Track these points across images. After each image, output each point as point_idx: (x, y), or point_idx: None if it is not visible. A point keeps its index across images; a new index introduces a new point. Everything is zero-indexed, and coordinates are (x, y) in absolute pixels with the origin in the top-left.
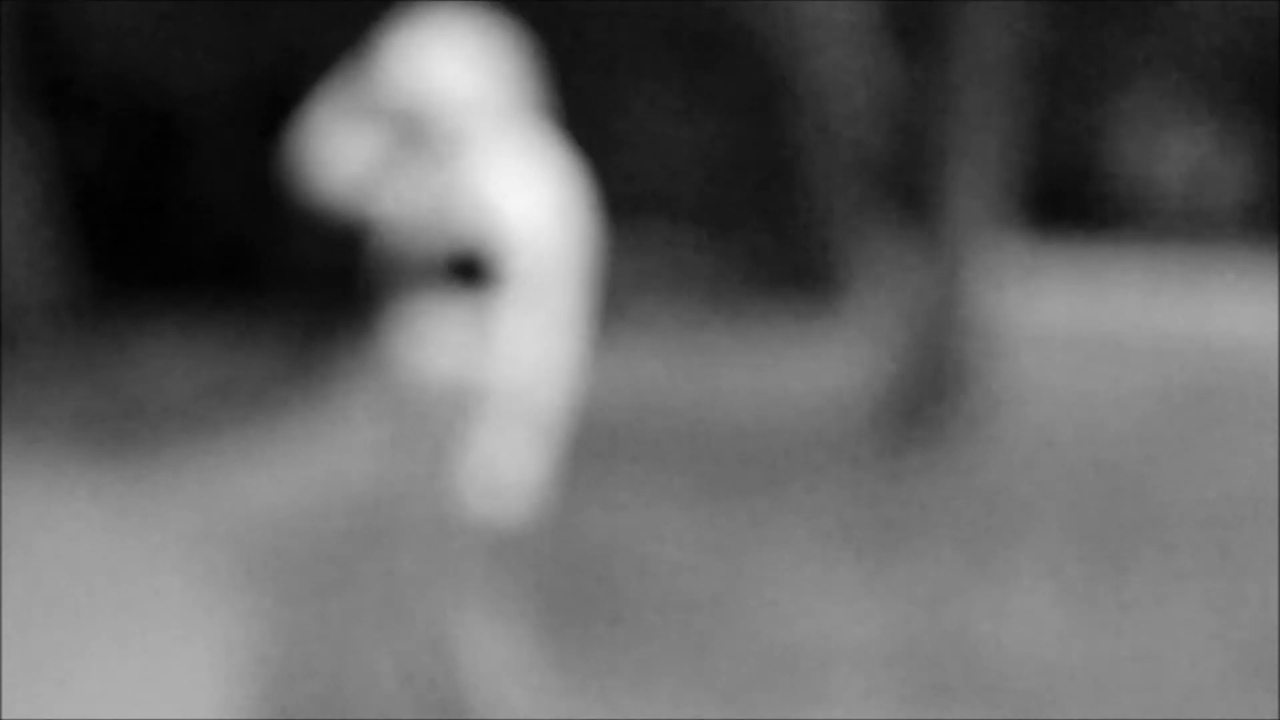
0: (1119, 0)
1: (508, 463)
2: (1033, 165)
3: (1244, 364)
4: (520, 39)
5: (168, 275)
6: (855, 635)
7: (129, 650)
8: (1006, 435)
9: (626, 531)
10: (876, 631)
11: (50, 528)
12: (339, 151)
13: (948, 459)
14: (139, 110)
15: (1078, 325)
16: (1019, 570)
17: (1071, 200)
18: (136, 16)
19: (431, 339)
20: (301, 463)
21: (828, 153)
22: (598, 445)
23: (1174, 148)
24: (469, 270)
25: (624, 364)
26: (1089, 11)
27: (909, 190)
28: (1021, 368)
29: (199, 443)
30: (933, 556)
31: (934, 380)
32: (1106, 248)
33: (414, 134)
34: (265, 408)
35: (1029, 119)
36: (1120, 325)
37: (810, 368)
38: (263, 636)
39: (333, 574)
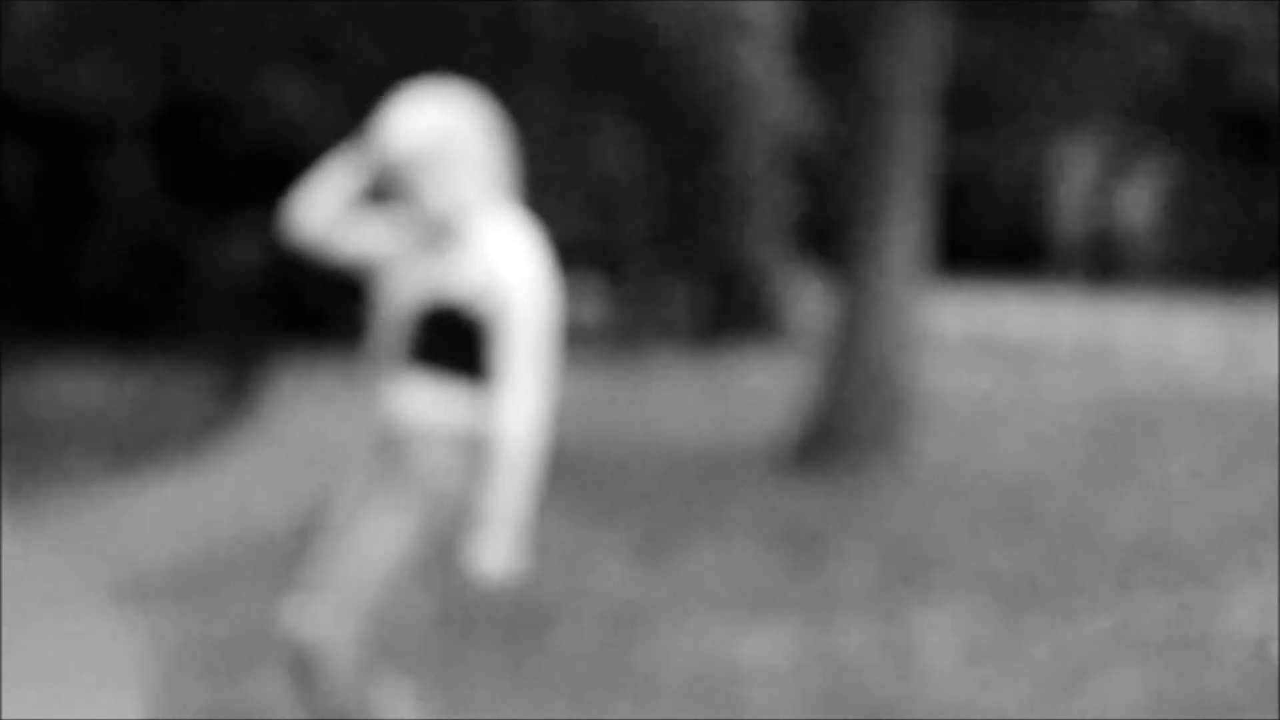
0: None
1: (509, 513)
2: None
3: (1158, 385)
4: (497, 114)
5: (73, 310)
6: (768, 650)
7: (36, 679)
8: (923, 459)
9: (553, 544)
10: (789, 646)
11: None
12: (327, 198)
13: (868, 481)
14: (49, 146)
15: (992, 351)
16: (933, 587)
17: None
18: (43, 51)
19: (425, 388)
20: (213, 493)
21: (756, 193)
22: (553, 458)
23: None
24: (456, 324)
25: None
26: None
27: (832, 227)
28: (938, 394)
29: (105, 477)
30: (850, 573)
31: (857, 406)
32: (1021, 277)
33: (399, 188)
34: (174, 442)
35: (942, 152)
36: (1033, 351)
37: (739, 395)
38: (167, 665)
39: (241, 603)
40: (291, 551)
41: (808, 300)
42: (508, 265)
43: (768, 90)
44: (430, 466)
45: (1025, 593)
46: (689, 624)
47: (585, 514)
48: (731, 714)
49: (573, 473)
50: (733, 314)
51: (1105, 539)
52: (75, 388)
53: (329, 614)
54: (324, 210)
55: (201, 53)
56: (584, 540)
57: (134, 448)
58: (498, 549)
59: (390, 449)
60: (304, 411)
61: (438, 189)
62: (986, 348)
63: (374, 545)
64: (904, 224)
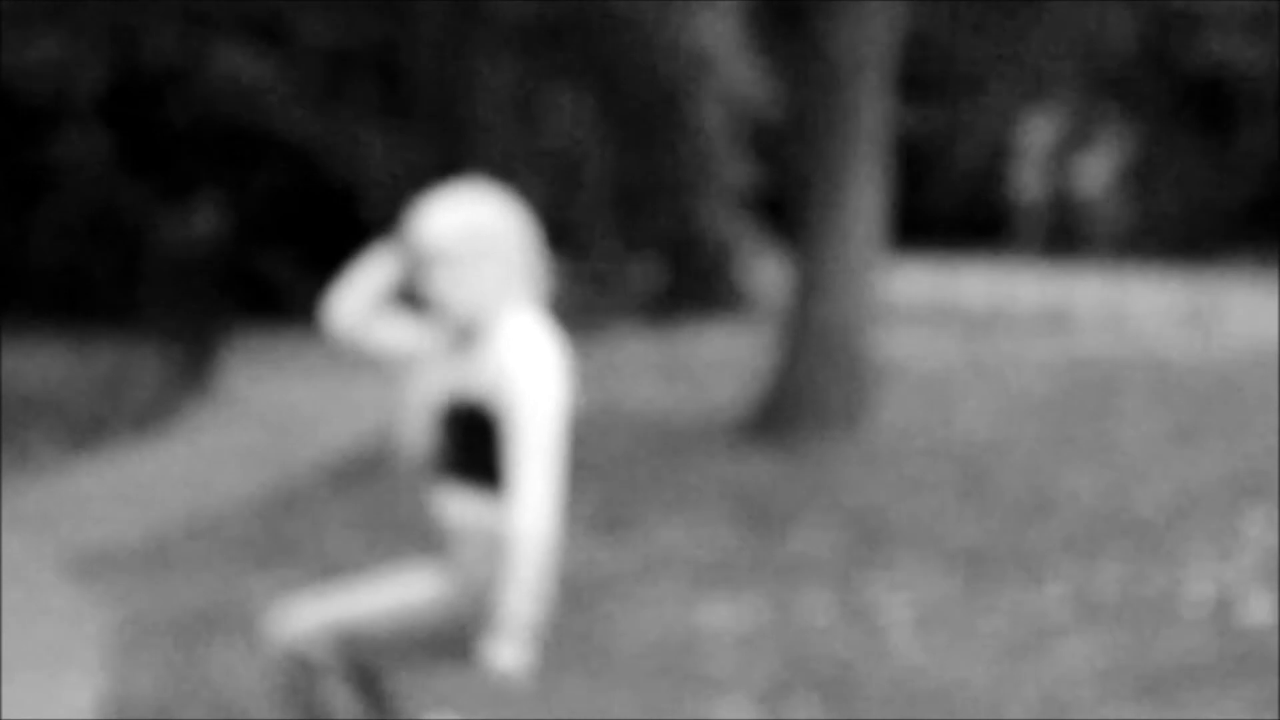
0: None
1: (523, 612)
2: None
3: (1113, 362)
4: (528, 216)
5: (29, 287)
6: (728, 618)
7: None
8: (883, 428)
9: None
10: (749, 614)
11: None
12: (359, 292)
13: (828, 450)
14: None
15: (953, 320)
16: (893, 555)
17: (946, 204)
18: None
19: (456, 487)
20: (172, 469)
21: (713, 167)
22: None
23: (1038, 156)
24: (476, 422)
25: None
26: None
27: (791, 199)
28: (898, 363)
29: (63, 454)
30: (810, 541)
31: (816, 376)
32: (981, 248)
33: (429, 284)
34: (132, 418)
35: (903, 124)
36: (993, 319)
37: (699, 368)
38: (126, 639)
39: (201, 578)
40: (250, 526)
41: (767, 273)
42: (518, 361)
43: (724, 63)
44: (469, 561)
45: (984, 560)
46: (649, 593)
47: None
48: (691, 681)
49: None
50: (692, 288)
51: (1064, 506)
52: (32, 365)
53: (314, 619)
54: (355, 303)
55: (154, 27)
56: None
57: (92, 424)
58: (512, 647)
59: (442, 538)
60: (262, 386)
61: (465, 287)
62: (947, 317)
63: (393, 586)
64: (862, 195)
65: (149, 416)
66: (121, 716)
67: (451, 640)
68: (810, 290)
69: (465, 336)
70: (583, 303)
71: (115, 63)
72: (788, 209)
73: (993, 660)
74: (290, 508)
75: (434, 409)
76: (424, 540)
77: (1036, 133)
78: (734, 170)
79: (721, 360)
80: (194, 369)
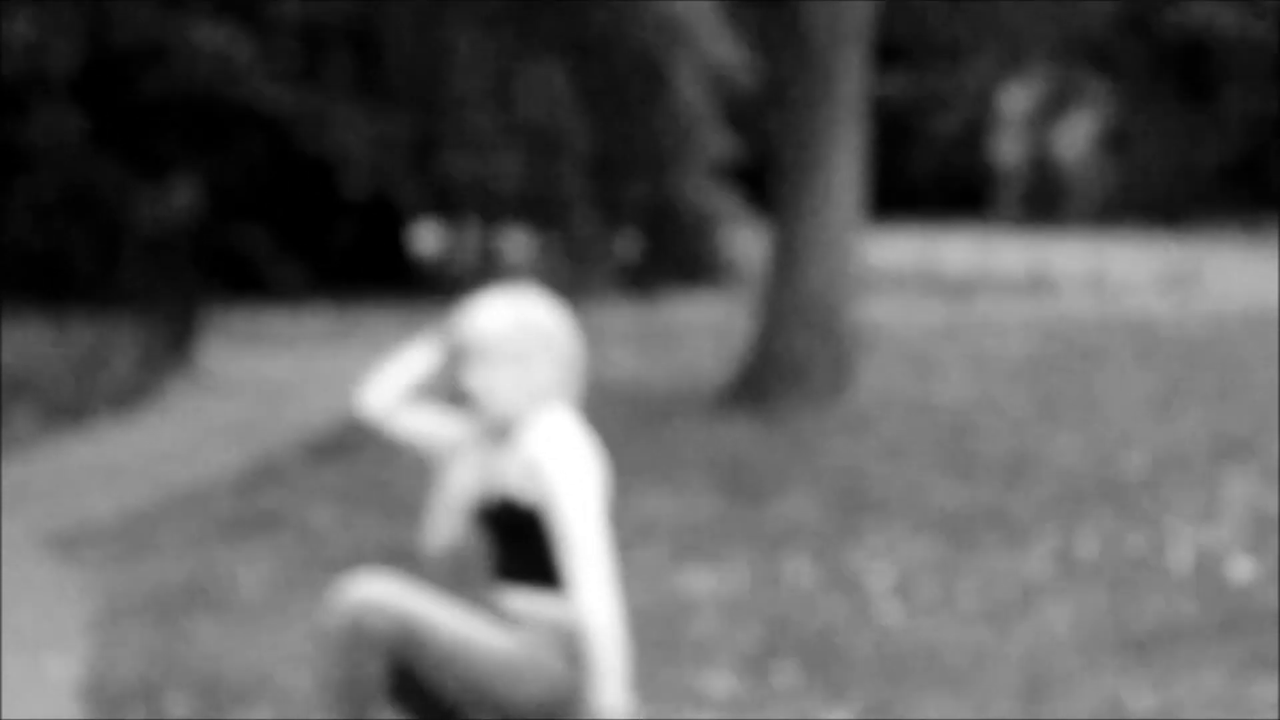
0: None
1: (618, 689)
2: (891, 141)
3: (1088, 328)
4: (573, 322)
5: (5, 265)
6: (711, 583)
7: None
8: (865, 393)
9: None
10: (731, 579)
11: None
12: (394, 378)
13: (810, 416)
14: None
15: (934, 285)
16: (875, 518)
17: (927, 172)
18: None
19: (507, 584)
20: (153, 445)
21: (692, 138)
22: None
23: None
24: (514, 519)
25: None
26: None
27: (770, 168)
28: (879, 328)
29: (44, 432)
30: (792, 506)
31: (797, 343)
32: (962, 215)
33: (468, 379)
34: (112, 395)
35: (883, 94)
36: (974, 284)
37: (679, 337)
38: (107, 614)
39: (182, 552)
40: (230, 500)
41: (747, 242)
42: (554, 458)
43: (702, 34)
44: (534, 644)
45: (967, 524)
46: (632, 561)
47: None
48: (674, 648)
49: None
50: (672, 258)
51: (1046, 469)
52: (10, 343)
53: (388, 597)
54: (388, 391)
55: (128, 4)
56: None
57: (71, 402)
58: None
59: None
60: (240, 362)
61: (509, 384)
62: (928, 283)
63: (473, 619)
64: (841, 164)
65: (128, 393)
66: (104, 693)
67: (492, 697)
68: (790, 259)
69: (500, 433)
70: (563, 274)
71: (89, 40)
72: (767, 179)
73: (975, 623)
74: (270, 482)
75: (472, 508)
76: (400, 511)
77: (1016, 99)
78: (712, 141)
79: (702, 329)
80: (172, 345)
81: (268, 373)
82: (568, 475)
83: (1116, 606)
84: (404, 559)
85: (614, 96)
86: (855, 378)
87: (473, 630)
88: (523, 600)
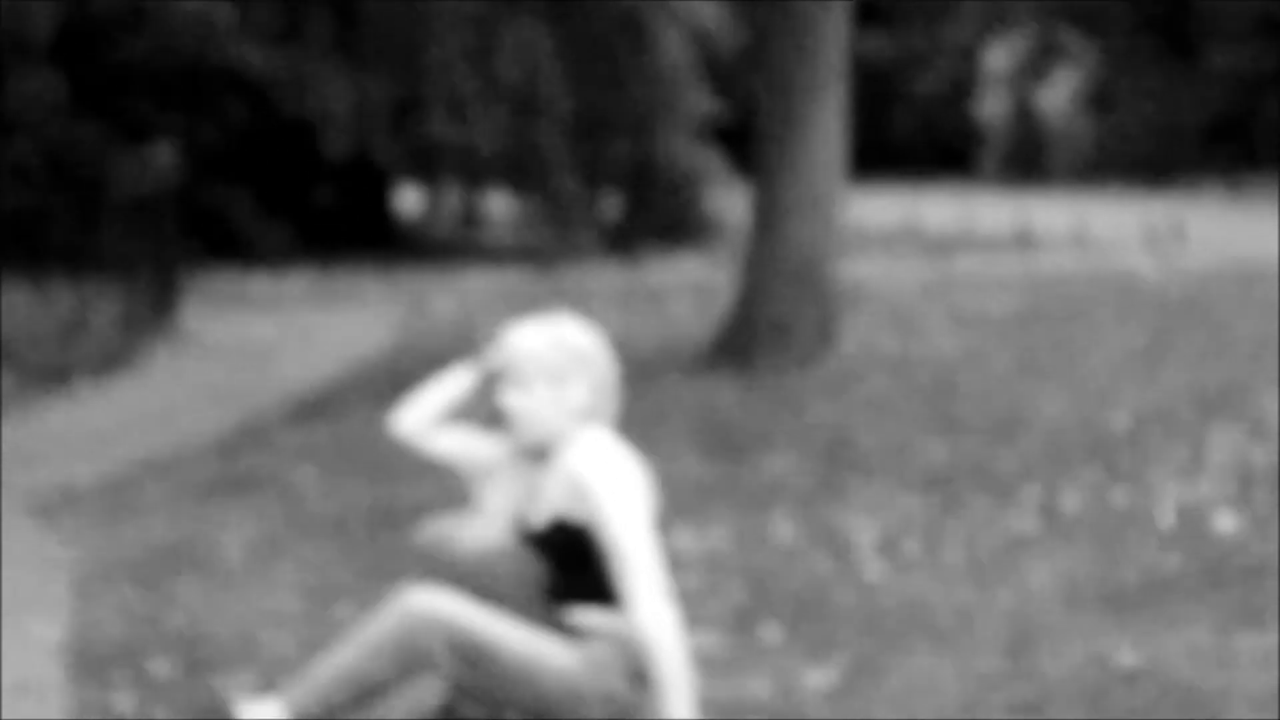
0: None
1: (685, 699)
2: (875, 101)
3: (1069, 283)
4: (606, 348)
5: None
6: (696, 540)
7: None
8: (848, 350)
9: None
10: (716, 536)
11: None
12: (430, 400)
13: (794, 374)
14: None
15: (918, 243)
16: (860, 474)
17: (910, 132)
18: None
19: (563, 603)
20: (138, 407)
21: (675, 98)
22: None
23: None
24: (559, 538)
25: (497, 290)
26: None
27: (753, 128)
28: (862, 285)
29: (28, 395)
30: (776, 464)
31: (780, 302)
32: (946, 174)
33: (502, 400)
34: (96, 358)
35: (866, 54)
36: (957, 241)
37: (663, 297)
38: (91, 576)
39: (166, 514)
40: (213, 463)
41: (731, 202)
42: (596, 477)
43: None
44: (598, 655)
45: (951, 481)
46: None
47: None
48: None
49: None
50: (656, 218)
51: (1031, 425)
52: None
53: (450, 612)
54: (422, 414)
55: None
56: None
57: (54, 365)
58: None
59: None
60: (222, 325)
61: (547, 406)
62: (912, 241)
63: (533, 635)
64: (823, 121)
65: (110, 357)
66: (87, 656)
67: (557, 711)
68: (773, 218)
69: (538, 454)
70: (547, 234)
71: (68, 3)
72: (749, 138)
73: (960, 580)
74: (252, 444)
75: (522, 530)
76: (384, 473)
77: (998, 58)
78: (695, 101)
79: (685, 289)
80: (154, 308)
81: (250, 335)
82: (612, 492)
83: (1101, 561)
84: (386, 520)
85: (596, 57)
86: (839, 336)
87: (538, 645)
88: (582, 617)
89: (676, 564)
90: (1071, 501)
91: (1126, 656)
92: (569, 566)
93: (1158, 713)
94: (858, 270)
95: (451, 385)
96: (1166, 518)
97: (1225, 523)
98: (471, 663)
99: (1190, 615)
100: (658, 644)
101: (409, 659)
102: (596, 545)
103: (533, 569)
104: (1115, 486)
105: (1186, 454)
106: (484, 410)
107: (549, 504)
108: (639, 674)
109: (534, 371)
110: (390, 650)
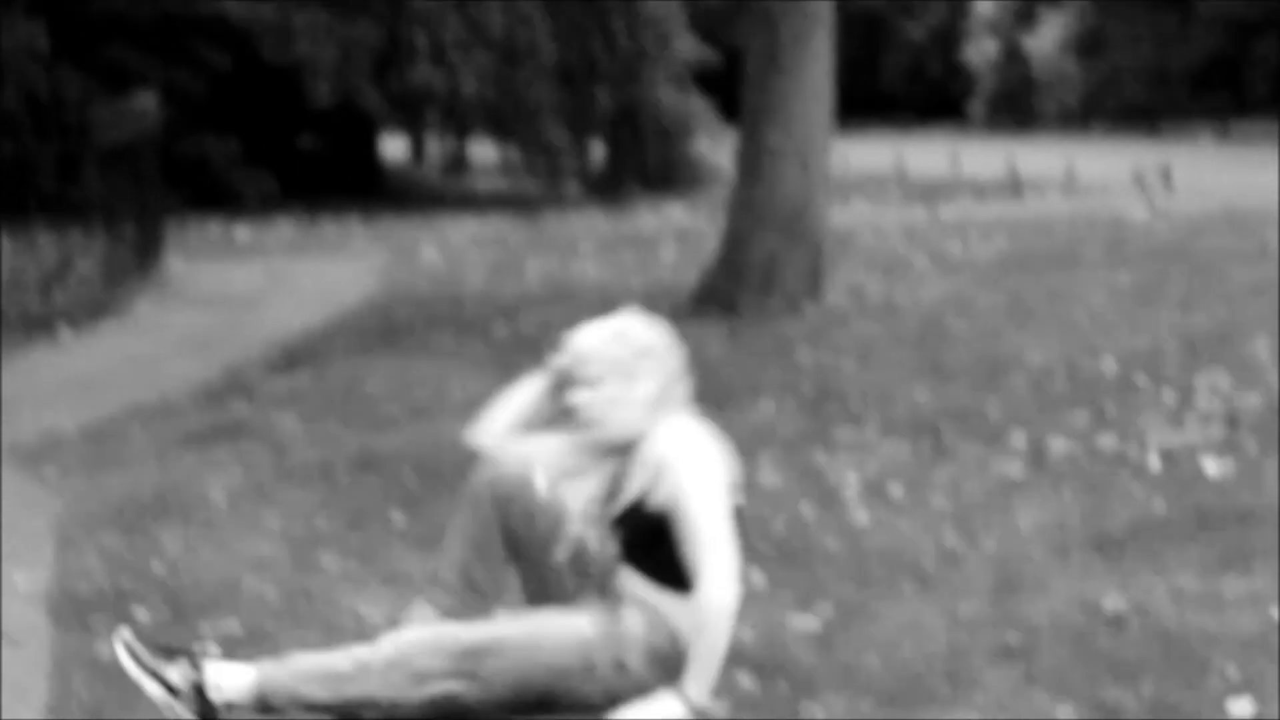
0: None
1: (715, 669)
2: (864, 49)
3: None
4: (678, 343)
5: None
6: None
7: None
8: (834, 295)
9: (456, 391)
10: None
11: None
12: (509, 406)
13: (780, 319)
14: None
15: (906, 189)
16: (845, 420)
17: (899, 80)
18: None
19: (627, 583)
20: (121, 354)
21: (661, 47)
22: (458, 310)
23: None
24: (647, 522)
25: (484, 238)
26: None
27: (742, 80)
28: (849, 230)
29: (12, 343)
30: (762, 410)
31: (764, 247)
32: (935, 123)
33: (577, 399)
34: (81, 306)
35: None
36: (945, 187)
37: (649, 244)
38: (76, 521)
39: (151, 459)
40: (197, 410)
41: (719, 149)
42: (683, 459)
43: None
44: (628, 620)
45: (937, 423)
46: None
47: (485, 360)
48: None
49: (478, 324)
50: (643, 165)
51: (1018, 369)
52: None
53: (423, 639)
54: (500, 421)
55: None
56: (492, 390)
57: (38, 314)
58: (699, 690)
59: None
60: (206, 273)
61: (615, 403)
62: (901, 187)
63: (531, 617)
64: (810, 68)
65: (94, 305)
66: (72, 604)
67: (568, 676)
68: (760, 164)
69: (613, 451)
70: (533, 182)
71: None
72: (737, 85)
73: (947, 524)
74: (236, 392)
75: (601, 518)
76: (367, 420)
77: (987, 4)
78: (682, 48)
79: (672, 235)
80: (138, 257)
81: (235, 283)
82: (697, 472)
83: (1088, 506)
84: (370, 467)
85: (582, 3)
86: (825, 282)
87: (536, 626)
88: (637, 584)
89: None
90: (1059, 446)
91: (1113, 600)
92: (637, 547)
93: (1144, 657)
94: (846, 216)
95: (524, 392)
96: (1154, 462)
97: (1212, 467)
98: (471, 674)
99: (1177, 559)
100: (715, 618)
101: (403, 680)
102: (670, 530)
103: (555, 511)
104: (1103, 431)
105: (1174, 398)
106: (554, 413)
107: (630, 492)
108: (657, 652)
109: (603, 371)
110: (380, 669)
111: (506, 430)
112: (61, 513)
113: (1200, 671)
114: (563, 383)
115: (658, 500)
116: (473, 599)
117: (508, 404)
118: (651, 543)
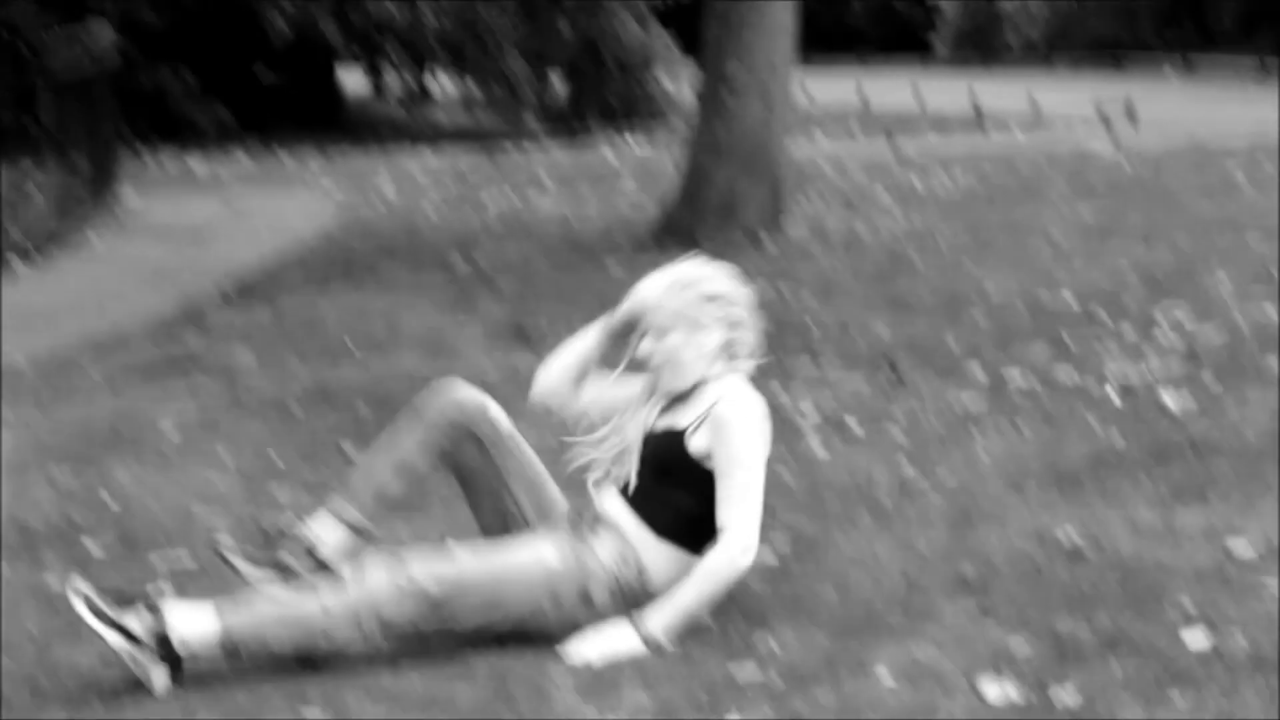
0: None
1: (699, 612)
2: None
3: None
4: (748, 285)
5: None
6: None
7: None
8: (795, 229)
9: (416, 327)
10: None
11: None
12: (568, 358)
13: (740, 254)
14: None
15: (870, 123)
16: (806, 354)
17: (865, 17)
18: None
19: (643, 510)
20: (77, 287)
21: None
22: (415, 243)
23: None
24: (674, 458)
25: (443, 171)
26: None
27: (704, 13)
28: (811, 164)
29: None
30: None
31: (726, 181)
32: (900, 60)
33: (639, 345)
34: (36, 239)
35: None
36: (909, 120)
37: (610, 179)
38: (28, 454)
39: (105, 393)
40: (152, 343)
41: (681, 83)
42: (731, 411)
43: None
44: (602, 550)
45: (898, 357)
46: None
47: (441, 294)
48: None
49: (435, 257)
50: (603, 100)
51: (979, 303)
52: None
53: (389, 587)
54: (562, 374)
55: None
56: (449, 323)
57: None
58: (663, 624)
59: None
60: (162, 206)
61: (682, 350)
62: (864, 122)
63: (494, 549)
64: (772, 2)
65: (48, 237)
66: (23, 537)
67: (534, 610)
68: (721, 97)
69: (678, 397)
70: (493, 115)
71: None
72: (698, 20)
73: (906, 456)
74: (191, 325)
75: (636, 441)
76: (323, 353)
77: None
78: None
79: (634, 169)
80: (92, 189)
81: (191, 216)
82: (747, 435)
83: (1047, 439)
84: (325, 401)
85: None
86: (786, 215)
87: (501, 559)
88: (621, 513)
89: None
90: (1017, 379)
91: (1069, 533)
92: (646, 473)
93: (1100, 589)
94: (808, 149)
95: (584, 340)
96: (1113, 396)
97: (1171, 401)
98: (440, 619)
99: (1135, 493)
100: (721, 576)
101: (373, 630)
102: (697, 478)
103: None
104: (1062, 365)
105: (1134, 332)
106: (617, 361)
107: (676, 423)
108: (624, 587)
109: (669, 320)
110: (348, 619)
111: (568, 381)
112: (11, 444)
113: (1156, 603)
114: (627, 331)
115: (696, 445)
116: (381, 516)
117: (568, 352)
118: (660, 474)
